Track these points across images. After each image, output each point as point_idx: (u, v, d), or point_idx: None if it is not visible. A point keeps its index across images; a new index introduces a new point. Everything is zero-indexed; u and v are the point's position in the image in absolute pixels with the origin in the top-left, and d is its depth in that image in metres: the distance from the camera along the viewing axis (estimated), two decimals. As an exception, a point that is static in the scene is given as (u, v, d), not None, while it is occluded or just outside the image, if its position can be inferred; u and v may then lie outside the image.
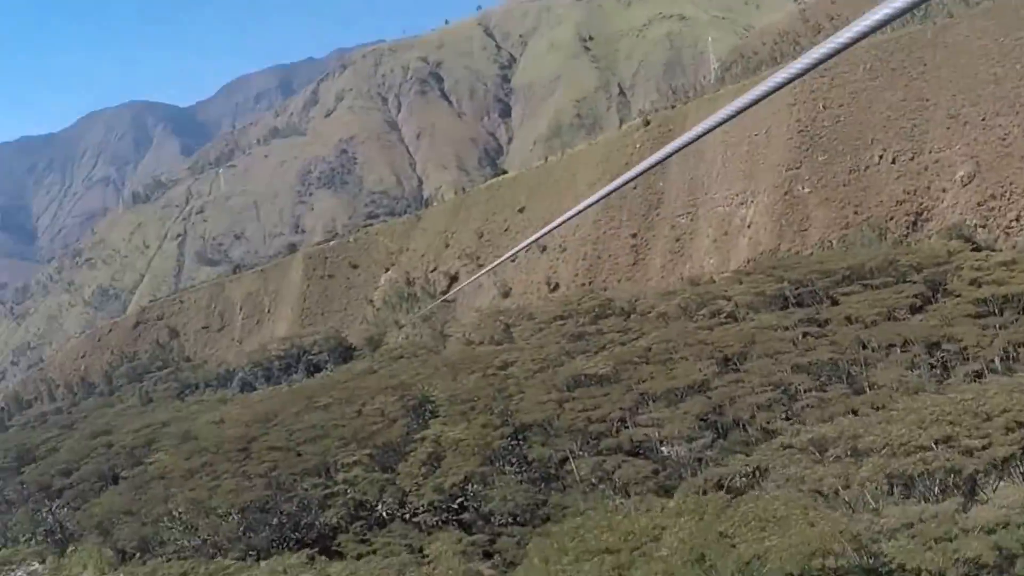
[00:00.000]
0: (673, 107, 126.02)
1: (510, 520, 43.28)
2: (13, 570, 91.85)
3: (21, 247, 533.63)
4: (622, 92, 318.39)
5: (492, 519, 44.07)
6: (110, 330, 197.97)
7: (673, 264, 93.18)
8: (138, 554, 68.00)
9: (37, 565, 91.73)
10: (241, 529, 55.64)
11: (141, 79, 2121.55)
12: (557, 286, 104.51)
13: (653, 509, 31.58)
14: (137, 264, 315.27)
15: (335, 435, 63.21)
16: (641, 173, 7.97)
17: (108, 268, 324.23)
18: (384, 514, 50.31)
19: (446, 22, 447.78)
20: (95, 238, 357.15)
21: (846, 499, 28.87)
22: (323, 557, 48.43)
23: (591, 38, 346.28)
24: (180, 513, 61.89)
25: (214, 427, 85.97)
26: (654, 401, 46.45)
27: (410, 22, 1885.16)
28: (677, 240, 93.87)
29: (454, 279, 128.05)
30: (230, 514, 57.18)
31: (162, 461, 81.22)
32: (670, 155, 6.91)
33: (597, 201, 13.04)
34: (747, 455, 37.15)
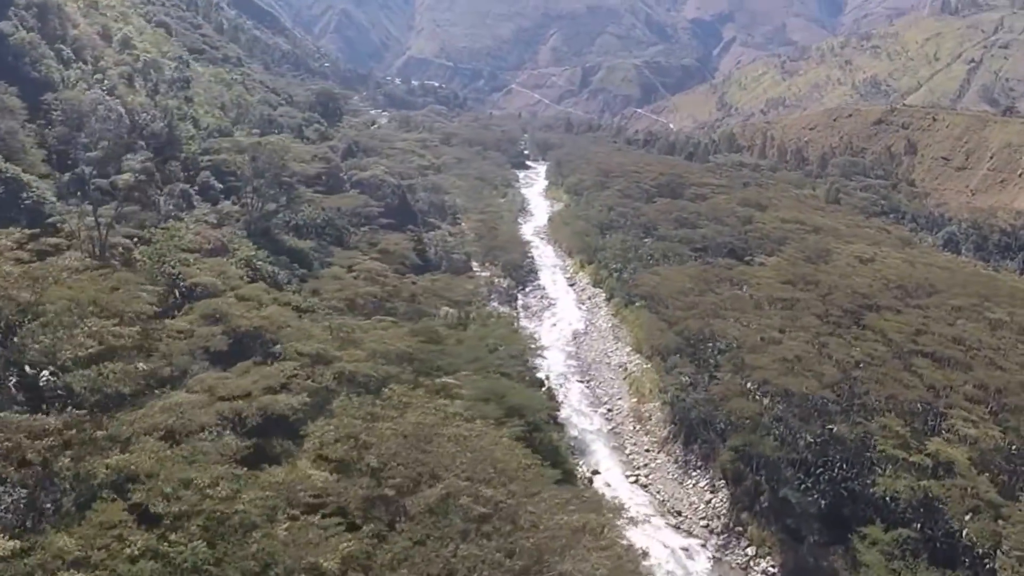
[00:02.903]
0: None
1: None
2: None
3: (824, 16, 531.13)
4: None
5: None
6: (850, 115, 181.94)
7: None
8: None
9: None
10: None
11: None
12: None
13: None
14: (919, 71, 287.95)
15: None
16: None
17: (889, 63, 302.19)
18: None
19: None
20: (889, 29, 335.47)
21: None
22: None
23: None
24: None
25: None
26: None
27: None
28: None
29: None
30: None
31: (770, 265, 67.57)
32: None
33: None
34: None
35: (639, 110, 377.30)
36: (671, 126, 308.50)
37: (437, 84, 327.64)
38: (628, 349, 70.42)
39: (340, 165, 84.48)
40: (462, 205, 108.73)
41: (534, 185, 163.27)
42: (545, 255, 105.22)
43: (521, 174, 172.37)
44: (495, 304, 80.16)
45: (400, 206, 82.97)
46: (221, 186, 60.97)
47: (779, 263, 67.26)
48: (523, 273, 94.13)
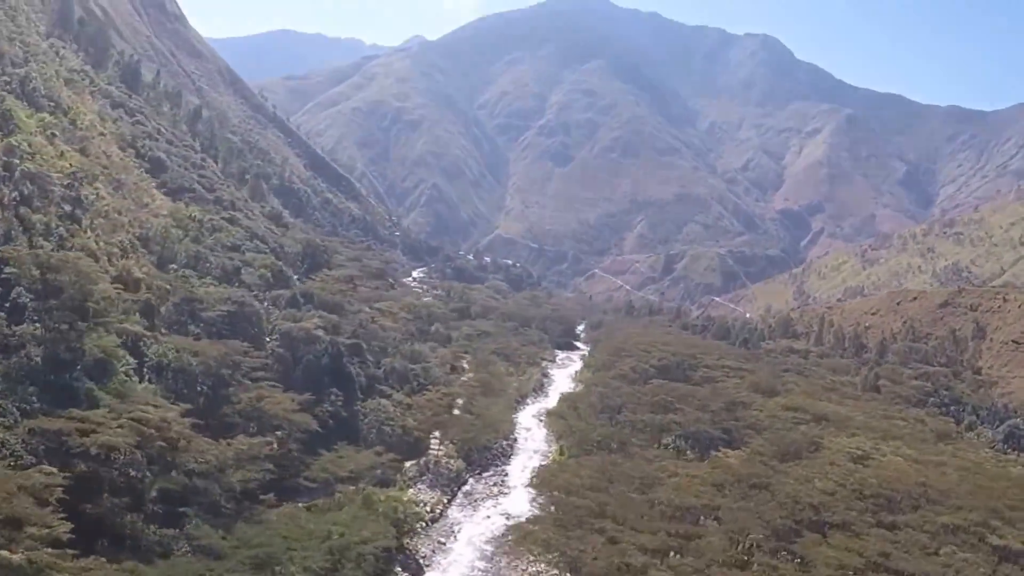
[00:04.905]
0: None
1: None
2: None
3: (913, 207, 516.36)
4: None
5: None
6: (914, 298, 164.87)
7: None
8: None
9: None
10: None
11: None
12: None
13: None
14: (1004, 257, 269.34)
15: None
16: None
17: (972, 250, 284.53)
18: None
19: None
20: (974, 216, 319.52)
21: None
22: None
23: None
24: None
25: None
26: None
27: None
28: None
29: None
30: None
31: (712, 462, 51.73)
32: None
33: None
34: None
35: (717, 298, 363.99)
36: (747, 315, 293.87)
37: (510, 262, 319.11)
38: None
39: (260, 312, 73.15)
40: (441, 377, 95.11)
41: (570, 366, 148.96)
42: (534, 439, 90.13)
43: (563, 354, 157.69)
44: (421, 487, 65.99)
45: (330, 366, 70.25)
46: (32, 305, 49.36)
47: (736, 458, 51.14)
48: (489, 456, 79.25)
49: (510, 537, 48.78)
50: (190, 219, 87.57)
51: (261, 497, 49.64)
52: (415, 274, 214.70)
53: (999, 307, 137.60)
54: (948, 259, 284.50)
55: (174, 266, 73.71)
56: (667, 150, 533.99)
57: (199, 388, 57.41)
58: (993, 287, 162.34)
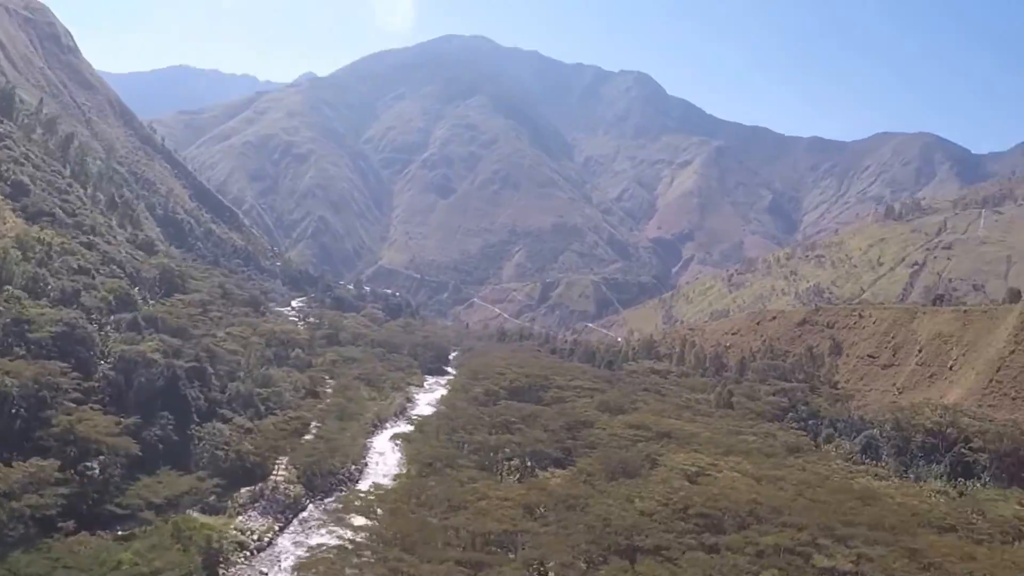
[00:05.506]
0: None
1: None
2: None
3: (779, 232, 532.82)
4: None
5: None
6: (773, 317, 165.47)
7: None
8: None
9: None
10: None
11: (935, 113, 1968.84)
12: None
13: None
14: (863, 277, 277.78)
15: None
16: None
17: (833, 271, 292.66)
18: None
19: None
20: (834, 239, 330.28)
21: None
22: None
23: None
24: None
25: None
26: None
27: None
28: None
29: None
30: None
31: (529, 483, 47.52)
32: None
33: None
34: None
35: (590, 324, 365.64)
36: (618, 339, 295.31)
37: (390, 292, 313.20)
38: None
39: (93, 335, 68.37)
40: (292, 401, 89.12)
41: (438, 391, 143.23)
42: (387, 463, 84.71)
43: (433, 379, 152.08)
44: (253, 514, 60.99)
45: (165, 389, 64.86)
46: None
47: (561, 477, 46.59)
48: (334, 481, 73.67)
49: (294, 570, 43.37)
50: (38, 242, 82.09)
51: (59, 525, 45.29)
52: (294, 303, 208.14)
53: (855, 323, 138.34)
54: (810, 281, 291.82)
55: (9, 288, 68.87)
56: (545, 182, 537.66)
57: (13, 410, 52.85)
58: (849, 304, 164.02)
